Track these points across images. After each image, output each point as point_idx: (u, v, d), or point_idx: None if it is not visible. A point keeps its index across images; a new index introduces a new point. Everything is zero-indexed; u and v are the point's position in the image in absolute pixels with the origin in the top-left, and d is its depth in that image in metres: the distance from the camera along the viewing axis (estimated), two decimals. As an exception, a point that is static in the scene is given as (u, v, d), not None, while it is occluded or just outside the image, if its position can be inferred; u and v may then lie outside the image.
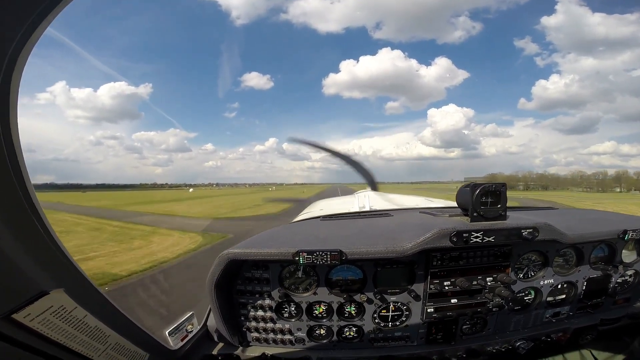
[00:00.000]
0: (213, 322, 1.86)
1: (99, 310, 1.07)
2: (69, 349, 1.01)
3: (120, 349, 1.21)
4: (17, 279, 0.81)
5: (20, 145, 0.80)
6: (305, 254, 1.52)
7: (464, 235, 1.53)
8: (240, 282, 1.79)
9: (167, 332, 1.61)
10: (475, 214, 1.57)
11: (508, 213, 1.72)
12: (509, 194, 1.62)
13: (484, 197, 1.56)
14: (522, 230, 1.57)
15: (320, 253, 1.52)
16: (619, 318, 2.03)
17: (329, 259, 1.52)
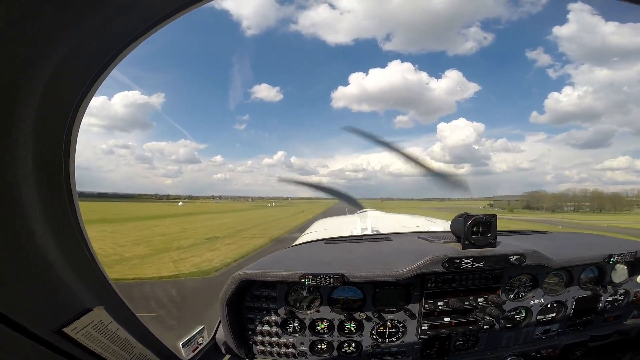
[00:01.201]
0: (221, 335, 1.99)
1: (128, 324, 1.21)
2: (103, 358, 1.15)
3: (142, 358, 1.35)
4: (68, 296, 0.96)
5: (75, 174, 0.89)
6: (310, 276, 1.67)
7: (455, 261, 1.67)
8: (249, 299, 1.93)
9: (180, 344, 1.74)
10: (467, 242, 1.73)
11: (501, 239, 1.86)
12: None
13: (475, 227, 1.72)
14: (510, 257, 1.71)
15: (324, 276, 1.67)
16: (609, 334, 2.13)
17: (331, 282, 1.67)
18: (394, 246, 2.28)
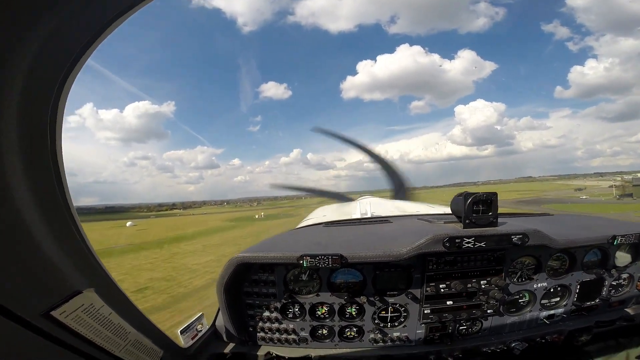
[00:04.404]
0: (222, 322, 1.97)
1: (122, 308, 1.18)
2: (95, 344, 1.12)
3: (138, 345, 1.32)
4: (55, 278, 0.92)
5: (62, 151, 0.87)
6: (308, 257, 1.64)
7: (457, 240, 1.63)
8: (248, 284, 1.90)
9: (179, 331, 1.72)
10: (467, 221, 1.68)
11: (502, 220, 1.80)
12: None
13: (476, 205, 1.67)
14: (512, 236, 1.66)
15: (323, 257, 1.63)
16: (614, 320, 2.09)
17: (330, 263, 1.64)
18: (394, 228, 2.24)
